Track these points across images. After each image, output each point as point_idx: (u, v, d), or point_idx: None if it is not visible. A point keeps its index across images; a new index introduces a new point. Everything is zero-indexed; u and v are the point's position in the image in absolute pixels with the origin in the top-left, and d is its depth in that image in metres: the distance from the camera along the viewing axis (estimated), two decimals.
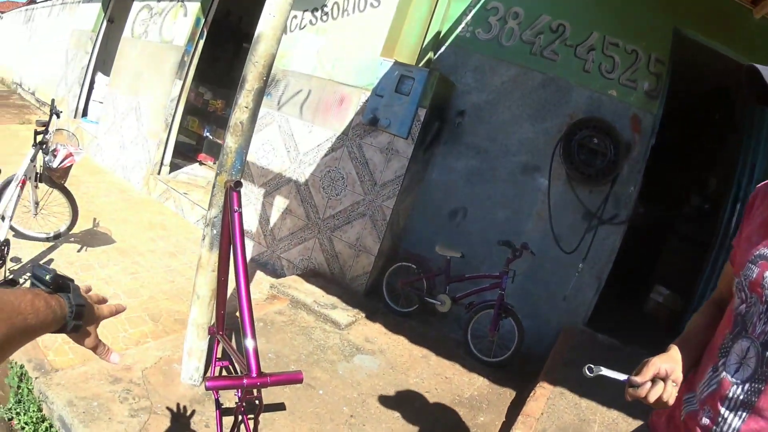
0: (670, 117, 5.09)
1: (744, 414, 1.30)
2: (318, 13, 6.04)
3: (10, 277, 4.43)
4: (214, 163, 8.48)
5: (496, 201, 5.39)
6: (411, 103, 5.18)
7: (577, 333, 4.92)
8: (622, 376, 1.42)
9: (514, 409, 3.92)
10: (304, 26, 6.10)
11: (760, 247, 1.35)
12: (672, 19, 4.78)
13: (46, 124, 4.69)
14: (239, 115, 3.06)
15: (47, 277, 0.99)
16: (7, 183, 4.51)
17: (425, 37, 5.57)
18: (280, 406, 3.51)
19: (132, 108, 8.19)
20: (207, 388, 2.01)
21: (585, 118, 4.99)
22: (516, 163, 5.32)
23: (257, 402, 2.25)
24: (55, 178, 4.80)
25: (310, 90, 5.92)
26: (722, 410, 1.32)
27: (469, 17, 5.52)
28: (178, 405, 3.35)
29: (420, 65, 5.54)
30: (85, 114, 9.90)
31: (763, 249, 1.34)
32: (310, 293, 5.14)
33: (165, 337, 4.17)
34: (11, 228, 4.68)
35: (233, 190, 2.43)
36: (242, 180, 2.94)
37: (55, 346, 3.73)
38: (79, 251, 5.30)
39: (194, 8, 7.50)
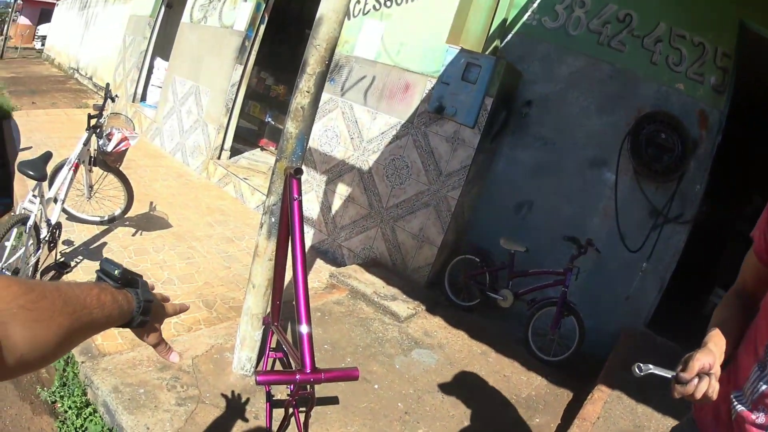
0: (735, 113, 4.87)
1: None
2: None
3: (62, 260, 4.49)
4: (275, 149, 8.35)
5: (562, 195, 5.23)
6: (478, 92, 5.04)
7: (638, 335, 4.77)
8: (669, 373, 1.42)
9: (570, 412, 3.83)
10: (368, 11, 5.98)
11: None
12: (737, 12, 4.56)
13: (101, 108, 4.69)
14: (300, 99, 2.97)
15: (116, 272, 0.98)
16: (60, 167, 4.50)
17: (491, 24, 5.43)
18: (333, 400, 3.43)
19: (191, 92, 8.24)
20: (258, 383, 1.92)
21: (652, 112, 4.83)
22: (583, 157, 5.16)
23: (310, 397, 2.19)
24: (109, 162, 4.77)
25: (374, 76, 5.81)
26: None
27: (535, 5, 5.35)
28: (227, 395, 3.30)
29: (486, 53, 5.39)
30: (143, 98, 10.03)
31: None
32: (371, 284, 5.06)
33: (218, 324, 4.13)
34: (64, 211, 4.69)
35: (293, 177, 2.33)
36: (303, 167, 2.81)
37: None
38: (134, 235, 5.32)
39: None
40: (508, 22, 5.49)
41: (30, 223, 3.80)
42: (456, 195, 5.15)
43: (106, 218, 5.27)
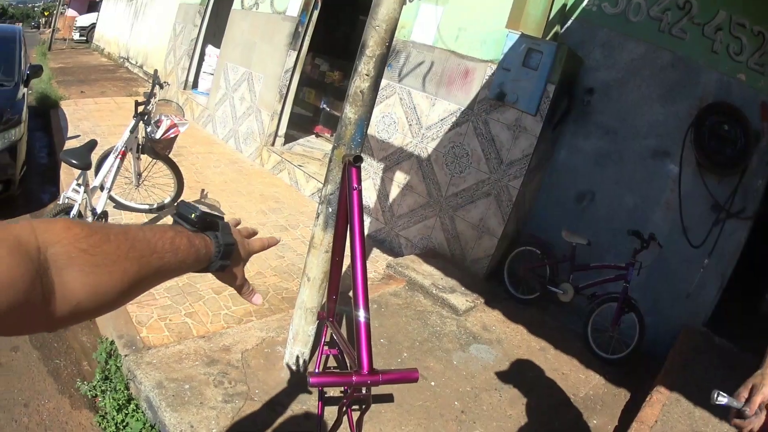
0: None
1: None
2: None
3: None
4: (331, 136, 8.45)
5: (624, 186, 5.07)
6: (539, 79, 4.91)
7: (697, 335, 4.63)
8: (738, 405, 1.51)
9: (628, 414, 3.74)
10: None
11: None
12: None
13: (149, 96, 4.66)
14: (359, 83, 2.86)
15: (192, 216, 0.92)
16: (107, 155, 4.49)
17: (551, 9, 5.26)
18: (387, 398, 3.36)
19: (244, 79, 8.26)
20: (311, 385, 1.85)
21: (715, 103, 4.64)
22: (645, 147, 4.98)
23: (365, 399, 2.12)
24: (158, 149, 4.75)
25: (433, 62, 5.70)
26: None
27: None
28: (277, 392, 3.22)
29: (546, 39, 5.24)
30: (195, 86, 10.13)
31: None
32: (429, 275, 4.98)
33: (270, 316, 4.09)
34: (111, 199, 4.71)
35: (352, 165, 2.23)
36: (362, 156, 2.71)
37: (149, 322, 3.71)
38: None
39: None
40: (567, 7, 5.32)
41: (73, 212, 3.82)
42: (517, 184, 5.03)
43: (155, 206, 5.27)
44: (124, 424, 3.04)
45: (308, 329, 3.31)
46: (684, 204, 4.80)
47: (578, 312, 4.87)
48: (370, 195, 6.10)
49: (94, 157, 4.22)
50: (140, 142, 4.73)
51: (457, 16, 5.64)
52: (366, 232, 6.04)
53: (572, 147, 5.32)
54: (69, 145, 6.64)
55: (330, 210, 3.01)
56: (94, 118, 8.46)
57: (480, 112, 5.31)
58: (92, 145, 4.18)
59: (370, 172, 6.14)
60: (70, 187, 3.94)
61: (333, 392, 3.11)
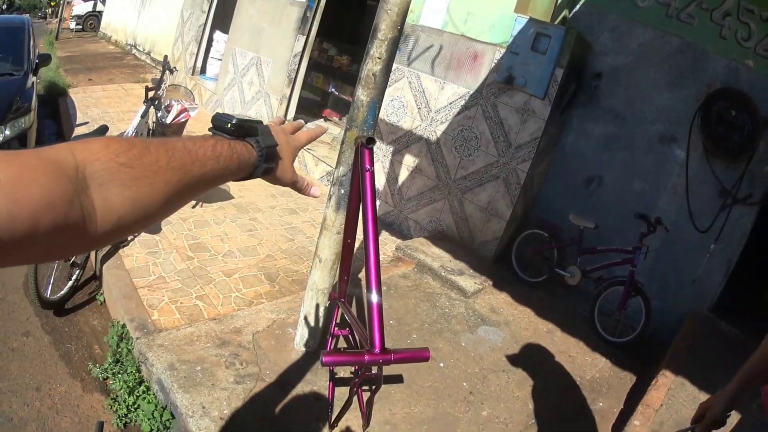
0: None
1: None
2: None
3: None
4: (339, 119, 8.50)
5: (632, 171, 5.08)
6: (548, 62, 4.91)
7: (702, 320, 4.65)
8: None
9: (633, 397, 3.77)
10: None
11: None
12: None
13: (159, 81, 4.68)
14: (372, 66, 2.88)
15: (229, 125, 0.88)
16: None
17: None
18: (397, 378, 3.39)
19: (252, 64, 8.29)
20: (323, 364, 1.81)
21: (722, 89, 4.63)
22: (653, 132, 4.99)
23: (376, 378, 2.08)
24: (169, 134, 4.75)
25: (441, 46, 5.71)
26: None
27: None
28: (288, 372, 3.24)
29: (555, 23, 5.24)
30: (203, 71, 10.15)
31: None
32: (437, 257, 5.01)
33: (281, 298, 4.11)
34: None
35: (365, 147, 2.22)
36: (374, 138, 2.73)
37: (160, 305, 3.73)
38: (194, 207, 5.31)
39: None
40: None
41: None
42: (525, 167, 5.05)
43: None
44: (136, 406, 3.07)
45: (319, 310, 3.35)
46: (691, 189, 4.81)
47: (585, 295, 4.92)
48: (379, 178, 6.13)
49: None
50: (151, 127, 4.76)
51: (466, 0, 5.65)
52: None
53: (580, 131, 5.33)
54: (78, 132, 6.70)
55: (342, 192, 3.04)
56: (102, 105, 8.49)
57: (488, 95, 5.32)
58: (103, 130, 4.20)
59: (380, 155, 6.17)
60: None
61: (343, 373, 3.15)
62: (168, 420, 2.96)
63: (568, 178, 5.38)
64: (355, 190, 2.40)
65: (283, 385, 3.14)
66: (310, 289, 3.31)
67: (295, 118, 7.84)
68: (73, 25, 19.37)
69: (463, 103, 5.52)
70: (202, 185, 0.79)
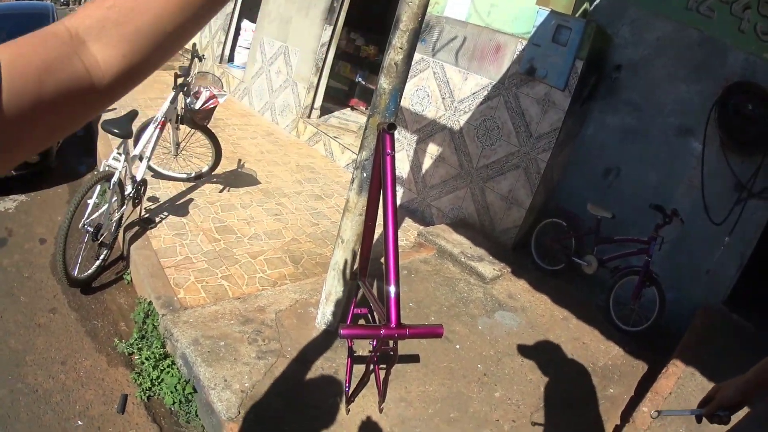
0: None
1: None
2: None
3: (146, 216, 4.58)
4: (366, 109, 8.55)
5: (649, 162, 5.11)
6: (568, 54, 4.97)
7: (715, 312, 4.67)
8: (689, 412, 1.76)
9: (644, 385, 3.79)
10: None
11: None
12: None
13: (188, 68, 4.76)
14: (393, 55, 3.01)
15: None
16: (146, 125, 4.59)
17: None
18: (414, 358, 3.47)
19: (280, 53, 8.40)
20: (341, 336, 1.89)
21: (739, 82, 4.61)
22: (670, 124, 5.01)
23: (392, 353, 2.14)
24: (197, 119, 4.87)
25: (465, 37, 5.79)
26: None
27: None
28: (308, 349, 3.32)
29: (576, 15, 5.29)
30: (231, 60, 10.28)
31: None
32: (458, 244, 5.13)
33: (304, 280, 4.20)
34: (150, 168, 4.79)
35: (386, 132, 2.31)
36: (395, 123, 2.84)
37: (186, 284, 3.83)
38: (221, 192, 5.43)
39: None
40: None
41: (114, 179, 3.86)
42: (546, 158, 5.14)
43: (192, 175, 5.40)
44: (159, 379, 3.17)
45: (341, 289, 3.45)
46: (706, 182, 4.81)
47: (601, 284, 4.98)
48: (403, 166, 6.25)
49: (134, 127, 4.28)
50: (179, 113, 4.83)
51: None
52: (399, 201, 6.21)
53: (600, 123, 5.38)
54: (105, 117, 6.75)
55: (365, 175, 3.17)
56: (130, 92, 8.60)
57: (511, 86, 5.40)
58: (133, 115, 4.25)
59: (404, 143, 6.28)
60: (111, 155, 4.00)
61: (362, 351, 3.24)
62: (190, 393, 3.07)
63: (587, 169, 5.44)
64: (377, 174, 2.48)
65: (303, 362, 3.23)
66: (333, 268, 3.43)
67: (322, 107, 8.03)
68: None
69: (485, 93, 5.61)
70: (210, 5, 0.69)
